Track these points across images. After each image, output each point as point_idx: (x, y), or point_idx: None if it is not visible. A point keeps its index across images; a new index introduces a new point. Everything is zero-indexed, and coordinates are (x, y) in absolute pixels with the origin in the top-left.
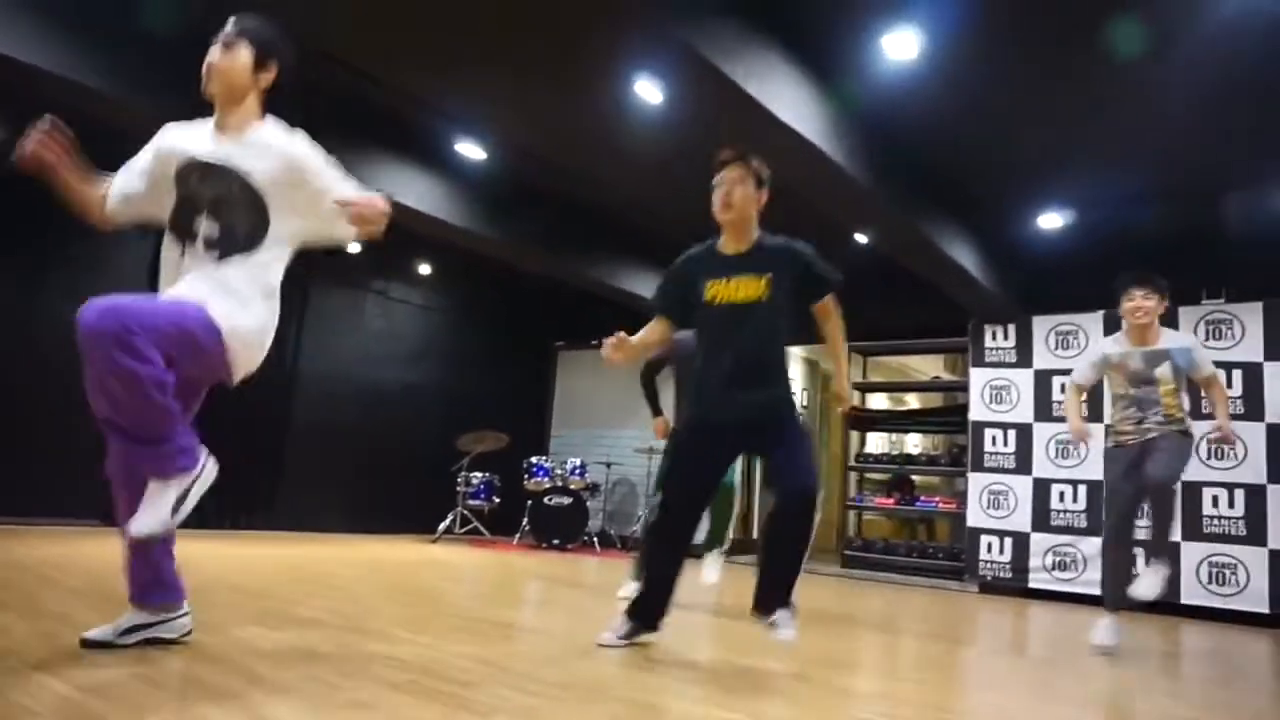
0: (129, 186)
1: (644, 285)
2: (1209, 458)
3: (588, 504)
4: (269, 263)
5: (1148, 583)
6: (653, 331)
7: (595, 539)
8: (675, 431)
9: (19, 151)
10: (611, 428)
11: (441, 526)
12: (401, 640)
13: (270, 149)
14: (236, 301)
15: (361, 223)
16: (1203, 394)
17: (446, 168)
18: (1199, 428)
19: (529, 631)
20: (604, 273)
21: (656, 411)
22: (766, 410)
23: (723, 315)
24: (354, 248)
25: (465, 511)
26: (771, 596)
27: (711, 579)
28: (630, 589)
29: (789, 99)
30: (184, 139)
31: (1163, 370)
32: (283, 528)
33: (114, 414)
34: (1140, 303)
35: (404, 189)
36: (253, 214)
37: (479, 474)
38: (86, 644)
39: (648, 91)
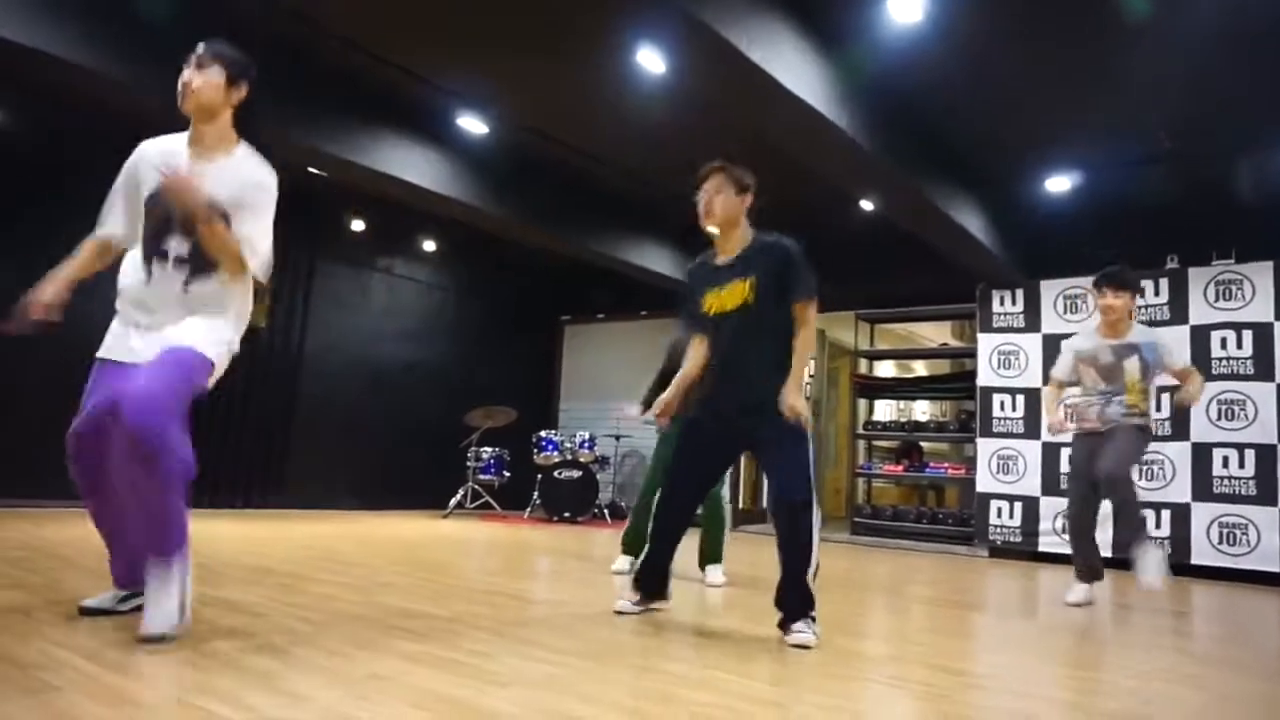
0: (115, 225)
1: (648, 258)
2: (1219, 419)
3: (597, 477)
4: (232, 280)
5: (1149, 570)
6: (697, 351)
7: (606, 511)
8: (680, 426)
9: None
10: (619, 400)
11: (453, 502)
12: (417, 614)
13: (238, 174)
14: (207, 320)
15: (172, 192)
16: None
17: (449, 143)
18: (1209, 388)
19: (543, 603)
20: (608, 245)
21: (648, 404)
22: (757, 410)
23: (717, 323)
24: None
25: (476, 487)
26: (786, 594)
27: (717, 581)
28: (622, 563)
29: (793, 65)
30: (159, 156)
31: (1130, 363)
32: (293, 506)
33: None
34: (1111, 300)
35: (406, 164)
36: None
37: (489, 449)
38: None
39: (650, 61)
